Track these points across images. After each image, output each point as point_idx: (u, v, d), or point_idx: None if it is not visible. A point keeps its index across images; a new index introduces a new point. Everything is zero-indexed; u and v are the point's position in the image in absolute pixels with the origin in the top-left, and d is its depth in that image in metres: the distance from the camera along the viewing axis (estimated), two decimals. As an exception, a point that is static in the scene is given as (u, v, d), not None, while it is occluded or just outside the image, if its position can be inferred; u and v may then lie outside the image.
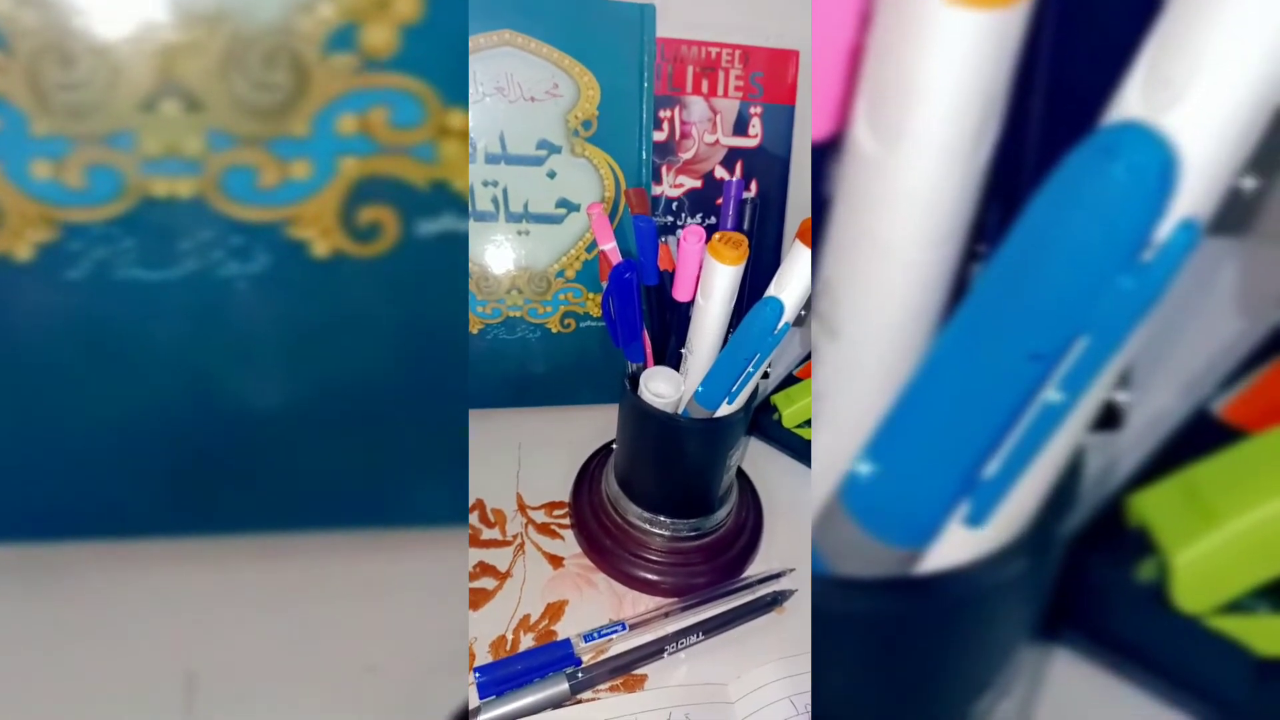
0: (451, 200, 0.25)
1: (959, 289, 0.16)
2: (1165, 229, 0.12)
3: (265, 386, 0.25)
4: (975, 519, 0.16)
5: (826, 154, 0.17)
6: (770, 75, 0.43)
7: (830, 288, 0.17)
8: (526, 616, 0.31)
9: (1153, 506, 0.24)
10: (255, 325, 0.25)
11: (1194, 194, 0.12)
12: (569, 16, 0.38)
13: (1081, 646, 0.25)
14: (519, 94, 0.38)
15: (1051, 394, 0.14)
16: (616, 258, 0.28)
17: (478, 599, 0.32)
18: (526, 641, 0.30)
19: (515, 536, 0.35)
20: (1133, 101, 0.13)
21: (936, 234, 0.15)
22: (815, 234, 0.17)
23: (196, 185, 0.23)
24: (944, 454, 0.15)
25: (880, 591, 0.17)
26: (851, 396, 0.17)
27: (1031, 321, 0.13)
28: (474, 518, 0.36)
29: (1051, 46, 0.14)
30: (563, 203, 0.40)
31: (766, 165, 0.44)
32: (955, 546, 0.16)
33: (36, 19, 0.22)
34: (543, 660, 0.28)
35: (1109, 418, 0.23)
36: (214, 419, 0.25)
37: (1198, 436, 0.27)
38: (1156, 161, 0.12)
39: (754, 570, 0.35)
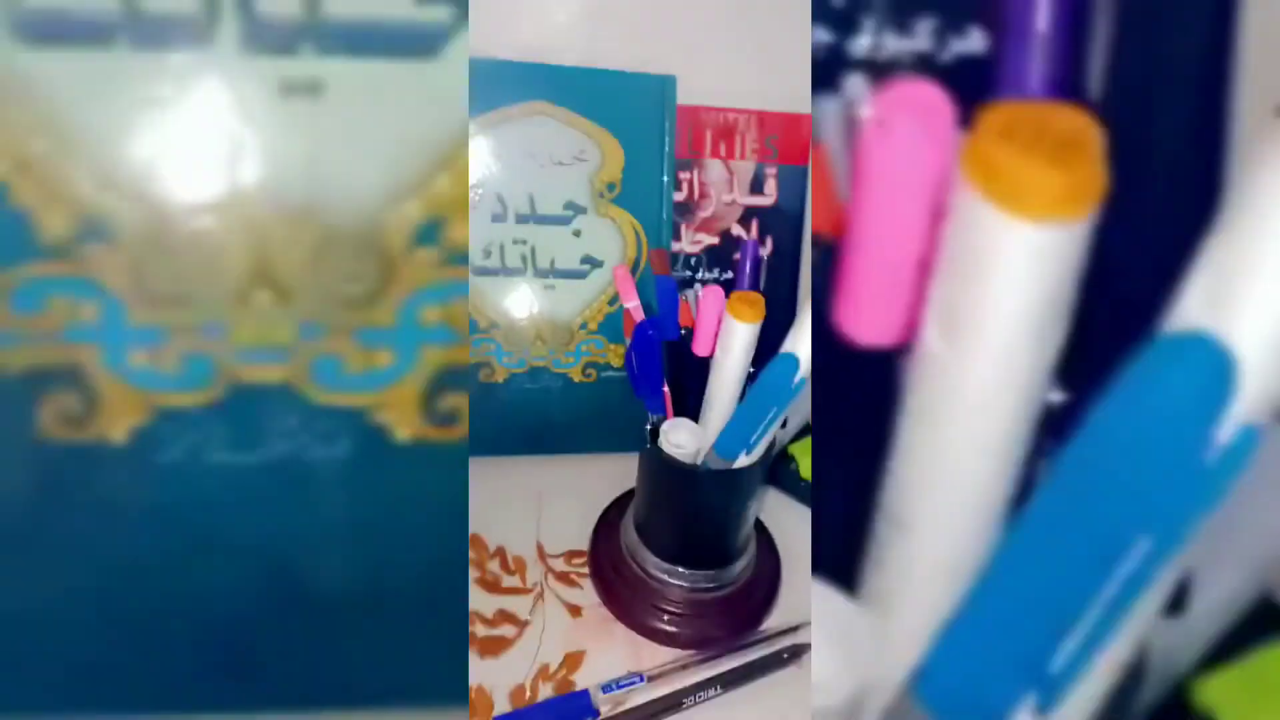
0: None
1: (1026, 485, 0.16)
2: (1227, 432, 0.13)
3: (338, 568, 0.25)
4: (1044, 708, 0.16)
5: (894, 359, 0.17)
6: (784, 137, 0.45)
7: (899, 482, 0.18)
8: (545, 665, 0.32)
9: (1219, 694, 0.24)
10: (335, 508, 0.25)
11: (1254, 398, 0.13)
12: (596, 88, 0.41)
13: None
14: (548, 159, 0.41)
15: (1117, 589, 0.14)
16: (640, 315, 0.30)
17: (497, 646, 0.32)
18: (545, 691, 0.30)
19: (535, 585, 0.36)
20: (1193, 309, 0.13)
21: (1003, 432, 0.16)
22: (878, 433, 0.18)
23: (285, 372, 0.24)
24: (1012, 647, 0.15)
25: None
26: (919, 588, 0.18)
27: (1097, 521, 0.14)
28: (494, 564, 0.37)
29: (1112, 255, 0.15)
30: (587, 259, 0.42)
31: (781, 222, 0.46)
32: None
33: (139, 214, 0.23)
34: (561, 712, 0.29)
35: (1174, 602, 0.23)
36: (296, 599, 0.25)
37: (1265, 621, 0.26)
38: (1218, 368, 0.12)
39: (772, 623, 0.35)
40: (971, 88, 0.17)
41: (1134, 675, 0.17)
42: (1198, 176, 0.18)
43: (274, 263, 0.24)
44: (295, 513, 0.25)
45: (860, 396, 0.19)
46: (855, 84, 0.18)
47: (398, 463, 0.25)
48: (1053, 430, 0.16)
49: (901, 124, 0.15)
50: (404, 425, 0.25)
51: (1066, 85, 0.18)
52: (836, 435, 0.20)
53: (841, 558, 0.20)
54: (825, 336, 0.19)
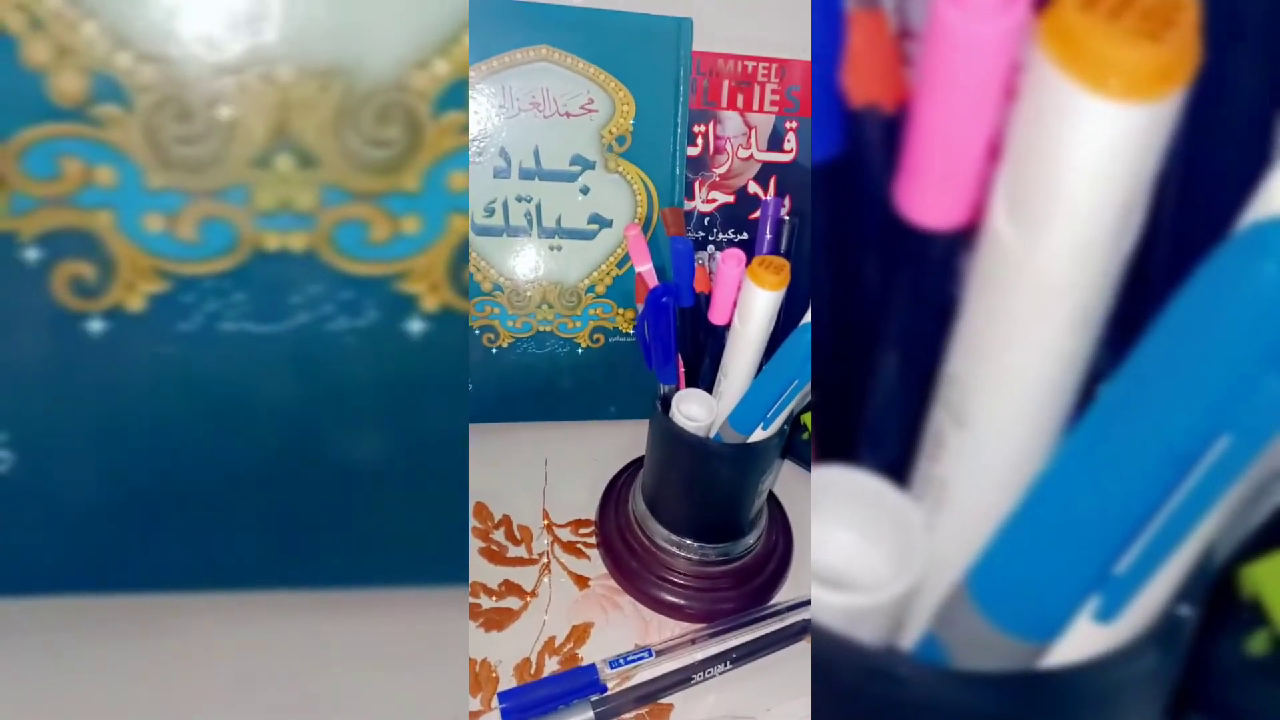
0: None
1: (1093, 382, 0.15)
2: None
3: (366, 440, 0.25)
4: (1106, 614, 0.15)
5: (957, 243, 0.16)
6: (807, 89, 0.42)
7: (959, 376, 0.17)
8: (551, 639, 0.31)
9: (1266, 578, 0.23)
10: (362, 379, 0.25)
11: None
12: (605, 32, 0.38)
13: None
14: (554, 109, 0.38)
15: (1191, 490, 0.13)
16: (653, 280, 0.28)
17: (503, 619, 0.32)
18: (551, 665, 0.30)
19: (541, 555, 0.35)
20: (1278, 197, 0.12)
21: (1075, 326, 0.14)
22: (940, 322, 0.17)
23: (308, 240, 0.24)
24: (1076, 550, 0.15)
25: (1005, 685, 0.16)
26: (978, 485, 0.17)
27: (1171, 420, 0.13)
28: (500, 534, 0.36)
29: (1189, 140, 0.14)
30: (595, 218, 0.40)
31: (802, 180, 0.44)
32: (1083, 640, 0.16)
33: (155, 75, 0.22)
34: (567, 687, 0.28)
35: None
36: (317, 472, 0.25)
37: None
38: None
39: (783, 596, 0.34)
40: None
41: (1197, 582, 0.16)
42: None
43: (296, 126, 0.23)
44: (321, 383, 0.25)
45: (914, 281, 0.17)
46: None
47: (425, 333, 0.25)
48: (1123, 331, 0.14)
49: None
50: (432, 294, 0.24)
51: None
52: (884, 321, 0.18)
53: (890, 448, 0.19)
54: (875, 212, 0.17)
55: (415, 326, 0.25)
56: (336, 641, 0.25)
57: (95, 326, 0.24)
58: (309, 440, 0.25)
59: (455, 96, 0.23)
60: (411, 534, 0.26)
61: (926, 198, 0.16)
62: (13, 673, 0.24)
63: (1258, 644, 0.23)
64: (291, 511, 0.26)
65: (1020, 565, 0.15)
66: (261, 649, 0.25)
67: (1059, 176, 0.13)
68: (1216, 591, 0.24)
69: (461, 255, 0.25)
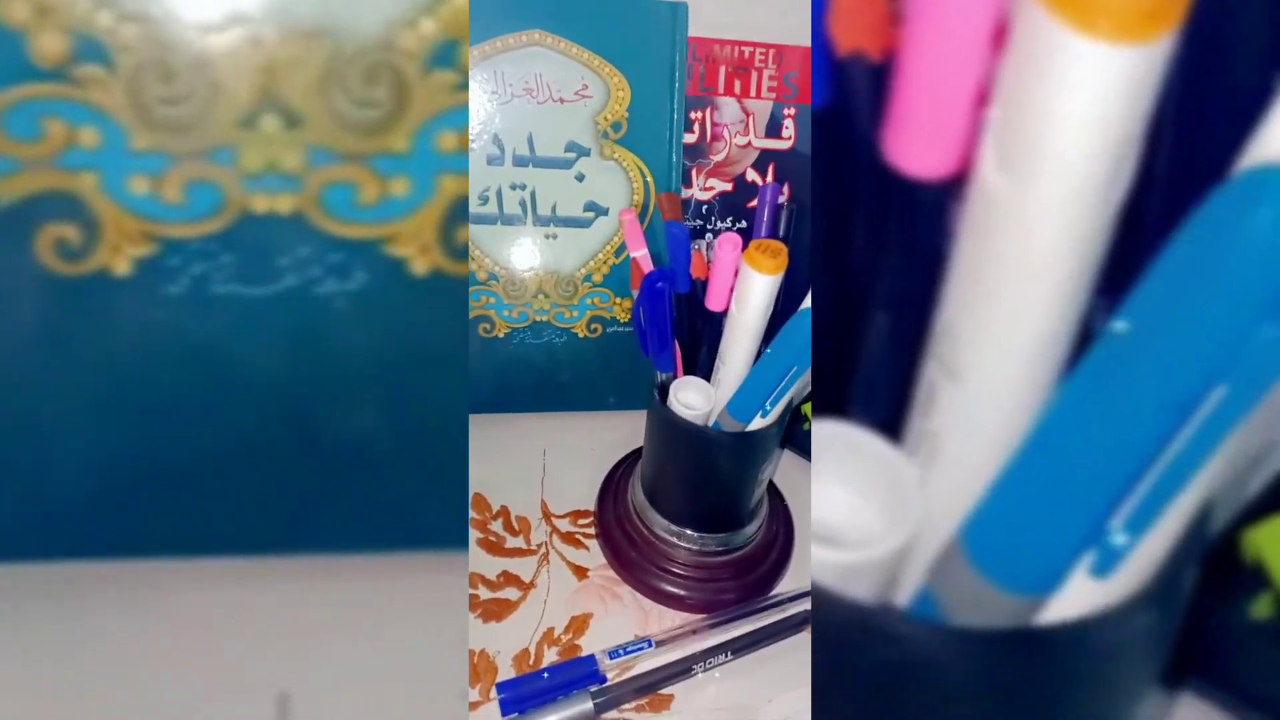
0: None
1: (1087, 332, 0.15)
2: None
3: (360, 405, 0.25)
4: (1101, 569, 0.15)
5: (946, 193, 0.16)
6: (805, 75, 0.42)
7: (951, 329, 0.16)
8: (550, 630, 0.31)
9: (1269, 542, 0.23)
10: (352, 342, 0.25)
11: None
12: (599, 16, 0.37)
13: (1202, 689, 0.24)
14: (548, 95, 0.37)
15: (1187, 443, 0.13)
16: (648, 266, 0.28)
17: (501, 609, 0.31)
18: (550, 656, 0.30)
19: (540, 545, 0.35)
20: (1276, 143, 0.12)
21: (1068, 274, 0.14)
22: (929, 274, 0.17)
23: (296, 202, 0.24)
24: (1071, 502, 0.14)
25: (1000, 642, 0.16)
26: (972, 438, 0.17)
27: (1166, 369, 0.12)
28: (498, 525, 0.36)
29: (1181, 84, 0.13)
30: (591, 206, 0.40)
31: (800, 168, 0.43)
32: (1079, 596, 0.15)
33: (138, 34, 0.22)
34: (566, 677, 0.28)
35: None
36: (308, 437, 0.25)
37: None
38: None
39: (784, 587, 0.34)
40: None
41: (1195, 539, 0.16)
42: None
43: (282, 86, 0.23)
44: (310, 347, 0.25)
45: (904, 232, 0.17)
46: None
47: (415, 296, 0.24)
48: (1117, 280, 0.14)
49: None
50: (421, 257, 0.24)
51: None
52: (874, 276, 0.18)
53: (882, 404, 0.19)
54: (864, 163, 0.17)
55: (406, 289, 0.24)
56: (334, 606, 0.25)
57: (80, 288, 0.24)
58: (299, 403, 0.25)
59: (445, 56, 0.23)
60: (410, 499, 0.26)
61: (915, 146, 0.16)
62: (5, 639, 0.24)
63: (1261, 608, 0.22)
64: (285, 475, 0.25)
65: (1014, 520, 0.15)
66: (258, 614, 0.25)
67: (1049, 122, 0.13)
68: (1219, 557, 0.24)
69: (454, 216, 0.24)
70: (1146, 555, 0.15)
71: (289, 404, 0.25)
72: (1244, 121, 0.12)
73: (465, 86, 0.23)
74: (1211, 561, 0.24)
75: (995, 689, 0.16)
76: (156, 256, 0.24)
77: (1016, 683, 0.16)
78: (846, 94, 0.18)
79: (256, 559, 0.26)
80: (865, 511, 0.18)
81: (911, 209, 0.17)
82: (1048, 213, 0.13)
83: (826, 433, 0.18)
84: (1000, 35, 0.14)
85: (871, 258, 0.18)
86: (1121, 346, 0.13)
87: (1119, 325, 0.13)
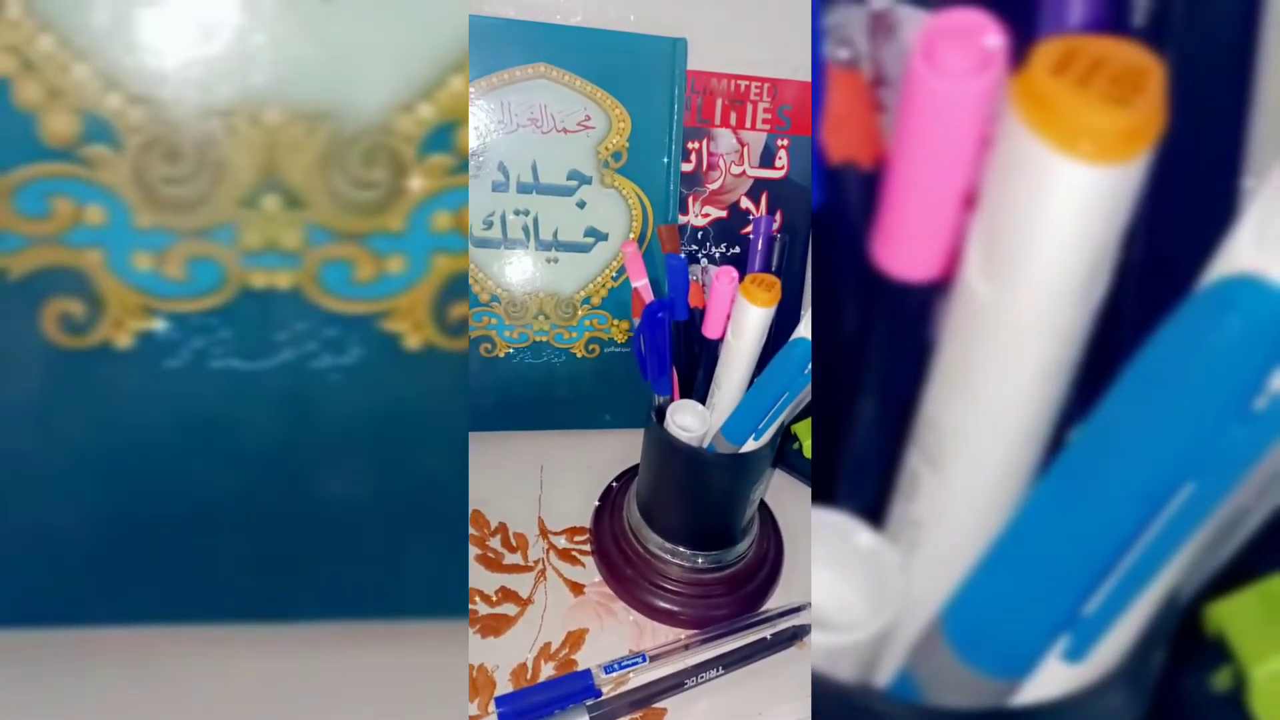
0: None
1: (1063, 428, 0.16)
2: (1279, 379, 0.12)
3: (354, 477, 0.26)
4: (1075, 654, 0.16)
5: (932, 294, 0.17)
6: (799, 108, 0.44)
7: (935, 421, 0.17)
8: (547, 644, 0.32)
9: (1231, 615, 0.23)
10: (346, 416, 0.25)
11: None
12: (602, 50, 0.39)
13: None
14: (552, 125, 0.39)
15: (1158, 535, 0.14)
16: (649, 296, 0.29)
17: (499, 625, 0.32)
18: (547, 670, 0.31)
19: (537, 562, 0.36)
20: (1244, 254, 0.13)
21: (1047, 374, 0.15)
22: (914, 367, 0.18)
23: (294, 278, 0.24)
24: (1046, 590, 0.15)
25: None
26: (952, 527, 0.17)
27: (1138, 466, 0.13)
28: (496, 541, 0.37)
29: (1154, 196, 0.14)
30: (591, 232, 0.41)
31: (792, 196, 0.45)
32: (1052, 679, 0.16)
33: (145, 116, 0.23)
34: (563, 691, 0.29)
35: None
36: (303, 508, 0.26)
37: (1278, 543, 0.26)
38: (1272, 313, 0.12)
39: (774, 603, 0.35)
40: (1022, 18, 0.16)
41: (1164, 622, 0.17)
42: (1242, 114, 0.17)
43: (283, 167, 0.23)
44: (306, 420, 0.25)
45: (891, 329, 0.18)
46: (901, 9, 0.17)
47: (408, 371, 0.25)
48: (1093, 379, 0.15)
49: (951, 54, 0.14)
50: (415, 333, 0.25)
51: (1111, 16, 0.17)
52: (862, 367, 0.19)
53: (867, 490, 0.20)
54: (853, 264, 0.18)
55: (399, 363, 0.25)
56: (331, 676, 0.25)
57: (83, 362, 0.24)
58: (295, 476, 0.25)
59: (441, 139, 0.24)
60: (407, 567, 0.26)
61: (902, 251, 0.17)
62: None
63: (1222, 680, 0.23)
64: (279, 546, 0.26)
65: (992, 606, 0.16)
66: (253, 682, 0.25)
67: (1030, 233, 0.14)
68: (1182, 628, 0.25)
69: (448, 294, 0.25)
70: (1118, 640, 0.16)
71: (284, 475, 0.25)
72: (1214, 232, 0.13)
73: (462, 168, 0.24)
74: (1176, 633, 0.25)
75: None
76: (158, 331, 0.24)
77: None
78: (838, 198, 0.19)
79: (250, 627, 0.26)
80: (848, 595, 0.19)
81: (898, 308, 0.18)
82: (1028, 316, 0.14)
83: (817, 519, 0.19)
84: (986, 145, 0.15)
85: (859, 349, 0.19)
86: (1096, 443, 0.14)
87: (1074, 434, 0.14)
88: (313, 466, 0.25)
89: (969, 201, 0.16)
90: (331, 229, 0.24)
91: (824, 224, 0.19)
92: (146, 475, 0.25)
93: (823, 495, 0.20)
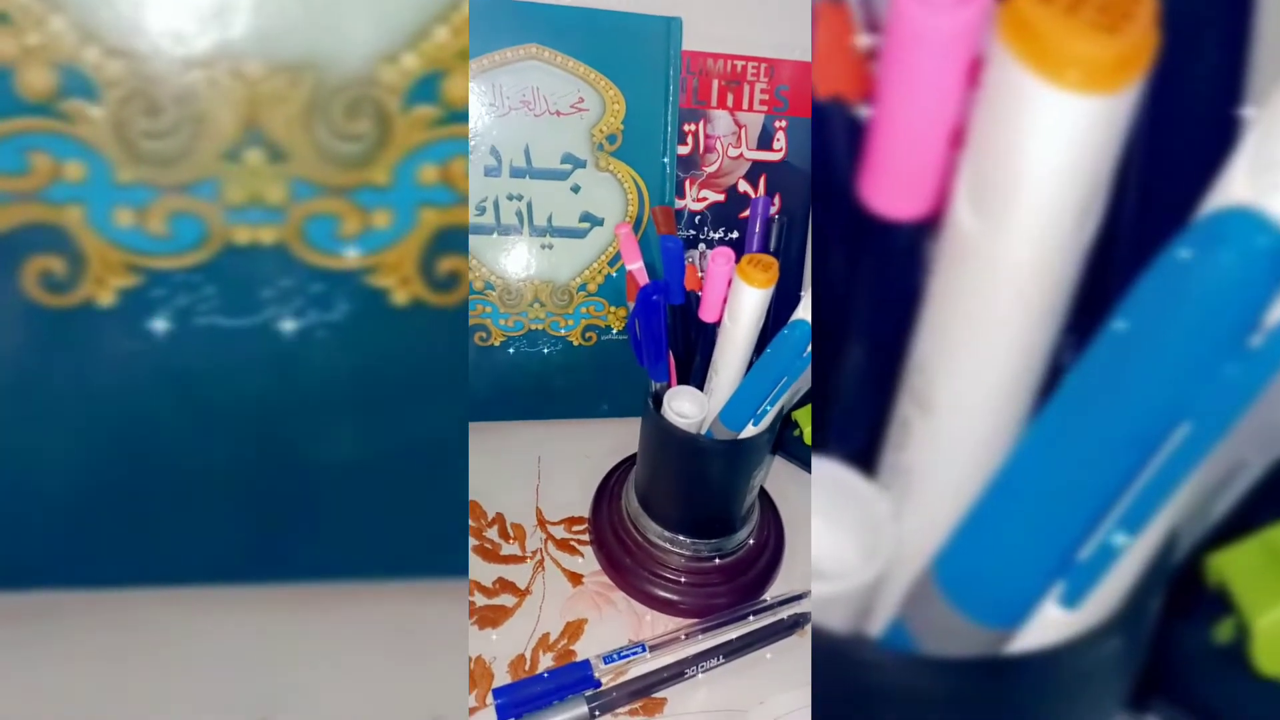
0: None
1: (1056, 369, 0.16)
2: (1275, 314, 0.12)
3: (341, 434, 0.25)
4: (1070, 600, 0.15)
5: (920, 233, 0.16)
6: (796, 88, 0.43)
7: (925, 364, 0.17)
8: (546, 635, 0.31)
9: (1232, 566, 0.23)
10: (333, 373, 0.25)
11: None
12: (595, 31, 0.38)
13: (1166, 712, 0.25)
14: (545, 108, 0.38)
15: (1153, 476, 0.14)
16: (644, 279, 0.28)
17: (497, 616, 0.32)
18: (545, 661, 0.30)
19: (535, 552, 0.35)
20: (1238, 186, 0.12)
21: (1037, 313, 0.15)
22: (903, 310, 0.17)
23: (279, 233, 0.24)
24: (1040, 535, 0.15)
25: (970, 671, 0.16)
26: (943, 473, 0.17)
27: (1133, 406, 0.13)
28: (493, 532, 0.36)
29: (1146, 129, 0.14)
30: (586, 217, 0.40)
31: (790, 179, 0.44)
32: (1048, 626, 0.16)
33: (123, 68, 0.22)
34: (562, 682, 0.28)
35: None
36: (289, 466, 0.25)
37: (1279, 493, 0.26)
38: (1267, 246, 0.12)
39: (775, 591, 0.34)
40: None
41: (1160, 568, 0.17)
42: (1240, 43, 0.16)
43: (266, 120, 0.23)
44: (290, 379, 0.25)
45: (879, 271, 0.18)
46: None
47: (397, 327, 0.24)
48: (1086, 318, 0.15)
49: None
50: (402, 288, 0.24)
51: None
52: (851, 312, 0.19)
53: (858, 438, 0.20)
54: (841, 205, 0.18)
55: (387, 319, 0.25)
56: (322, 635, 0.25)
57: (64, 320, 0.24)
58: (281, 433, 0.25)
59: (426, 90, 0.23)
60: (404, 527, 0.26)
61: (890, 188, 0.17)
62: None
63: (1223, 632, 0.23)
64: (267, 505, 0.26)
65: (985, 552, 0.16)
66: (250, 642, 0.25)
67: (1020, 167, 0.13)
68: (1183, 581, 0.24)
69: (435, 248, 0.25)
70: (1113, 586, 0.16)
71: (271, 433, 0.25)
72: (1206, 164, 0.13)
73: (448, 120, 0.24)
74: (1176, 585, 0.24)
75: (965, 716, 0.17)
76: (140, 288, 0.24)
77: (986, 710, 0.17)
78: (824, 137, 0.18)
79: (236, 587, 0.26)
80: (840, 543, 0.19)
81: (886, 248, 0.17)
82: (1019, 254, 0.14)
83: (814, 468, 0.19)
84: (973, 81, 0.14)
85: (847, 294, 0.19)
86: (1089, 384, 0.14)
87: (1066, 375, 0.13)
88: (300, 425, 0.25)
89: (957, 135, 0.15)
90: (316, 183, 0.23)
91: (815, 167, 0.19)
92: (130, 434, 0.25)
93: (819, 446, 0.20)
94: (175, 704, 0.23)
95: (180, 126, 0.23)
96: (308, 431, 0.25)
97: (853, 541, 0.19)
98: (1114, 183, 0.14)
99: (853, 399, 0.19)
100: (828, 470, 0.19)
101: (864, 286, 0.18)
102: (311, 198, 0.23)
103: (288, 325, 0.24)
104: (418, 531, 0.26)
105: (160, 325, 0.24)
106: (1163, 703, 0.24)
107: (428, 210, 0.24)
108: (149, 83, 0.22)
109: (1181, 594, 0.24)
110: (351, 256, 0.23)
